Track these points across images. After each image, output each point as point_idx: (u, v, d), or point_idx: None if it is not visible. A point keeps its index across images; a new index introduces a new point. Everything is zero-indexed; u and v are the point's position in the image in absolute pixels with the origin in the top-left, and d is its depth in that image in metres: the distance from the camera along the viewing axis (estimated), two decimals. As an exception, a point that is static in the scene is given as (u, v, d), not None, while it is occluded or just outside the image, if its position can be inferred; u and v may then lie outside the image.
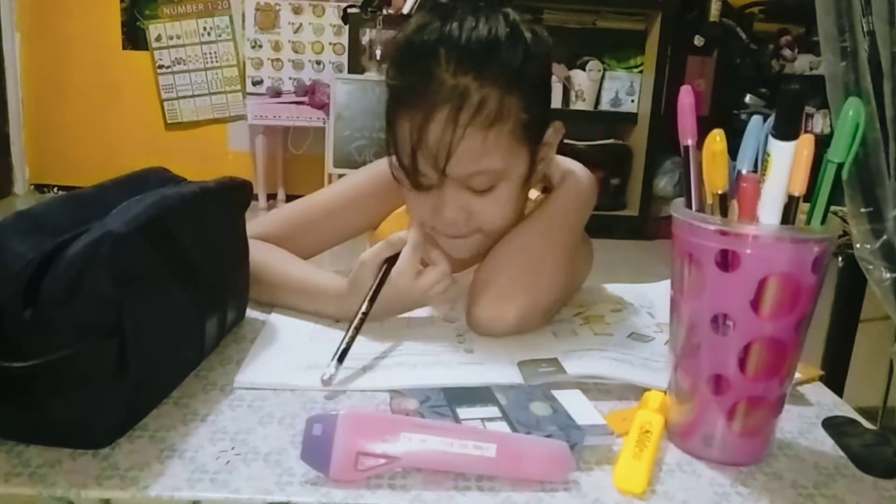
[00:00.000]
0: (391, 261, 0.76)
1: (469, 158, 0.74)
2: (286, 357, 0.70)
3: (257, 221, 0.92)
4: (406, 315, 0.81)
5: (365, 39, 3.86)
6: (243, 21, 3.93)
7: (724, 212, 0.54)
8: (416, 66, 0.75)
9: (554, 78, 3.61)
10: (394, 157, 0.78)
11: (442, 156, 0.73)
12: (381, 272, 0.75)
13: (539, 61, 0.78)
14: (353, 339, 0.68)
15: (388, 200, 0.94)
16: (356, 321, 0.70)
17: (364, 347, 0.72)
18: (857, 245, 0.60)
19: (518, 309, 0.76)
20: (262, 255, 0.83)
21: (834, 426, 0.62)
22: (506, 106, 0.74)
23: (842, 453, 0.58)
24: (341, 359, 0.66)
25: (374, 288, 0.74)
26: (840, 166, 0.51)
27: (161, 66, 4.14)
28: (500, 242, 0.81)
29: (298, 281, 0.83)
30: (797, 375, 0.62)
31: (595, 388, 0.66)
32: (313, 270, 0.85)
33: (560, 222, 0.82)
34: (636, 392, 0.63)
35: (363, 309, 0.72)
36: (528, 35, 0.77)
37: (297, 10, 3.87)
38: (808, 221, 0.53)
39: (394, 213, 0.95)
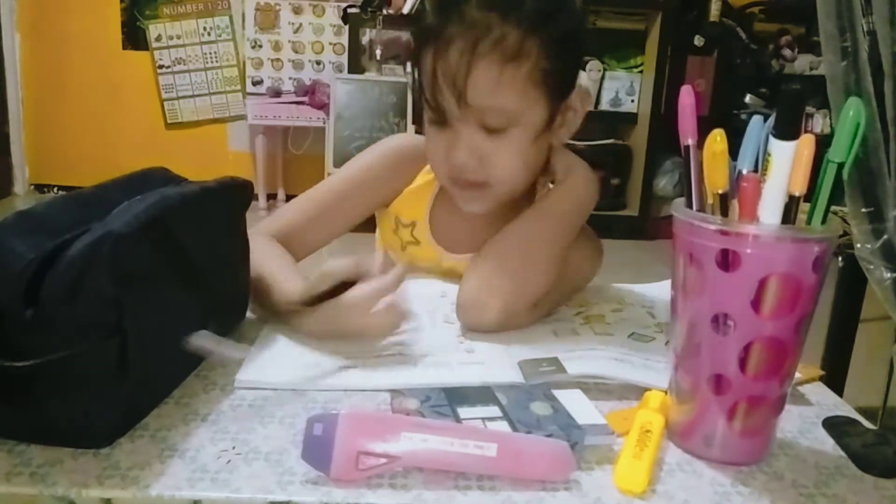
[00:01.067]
0: (348, 285, 0.72)
1: (484, 89, 0.77)
2: (287, 357, 0.70)
3: (275, 216, 0.94)
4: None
5: (365, 39, 3.87)
6: (243, 21, 3.93)
7: (725, 212, 0.54)
8: (445, 3, 0.79)
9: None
10: (420, 93, 0.82)
11: (459, 81, 0.76)
12: (338, 285, 0.72)
13: (570, 15, 0.81)
14: None
15: (398, 178, 0.97)
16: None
17: (364, 347, 0.72)
18: (858, 245, 0.60)
19: (501, 299, 0.77)
20: (255, 247, 0.80)
21: (834, 426, 0.62)
22: (526, 47, 0.76)
23: (842, 453, 0.58)
24: None
25: (321, 293, 0.71)
26: (841, 166, 0.51)
27: (161, 66, 4.14)
28: (496, 234, 0.81)
29: (266, 276, 0.80)
30: (797, 375, 0.63)
31: (595, 388, 0.66)
32: (284, 268, 0.82)
33: (557, 218, 0.83)
34: (637, 392, 0.63)
35: (296, 300, 0.71)
36: None
37: (297, 10, 3.87)
38: (809, 221, 0.53)
39: (405, 191, 0.97)
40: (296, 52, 3.91)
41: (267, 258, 0.83)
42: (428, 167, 0.95)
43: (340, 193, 0.95)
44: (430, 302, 0.85)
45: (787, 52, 3.74)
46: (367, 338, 0.73)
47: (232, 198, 0.72)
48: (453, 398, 0.60)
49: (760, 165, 0.54)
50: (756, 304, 0.52)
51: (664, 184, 3.78)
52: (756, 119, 0.54)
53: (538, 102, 0.80)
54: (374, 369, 0.68)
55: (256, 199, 3.90)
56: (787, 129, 0.51)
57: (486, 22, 0.76)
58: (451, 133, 0.81)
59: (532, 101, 0.79)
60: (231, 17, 4.09)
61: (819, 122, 3.58)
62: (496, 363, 0.69)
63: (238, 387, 0.64)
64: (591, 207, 0.86)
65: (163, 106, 4.18)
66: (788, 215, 0.52)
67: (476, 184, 0.83)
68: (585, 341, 0.75)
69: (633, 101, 3.78)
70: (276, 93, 3.92)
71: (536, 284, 0.79)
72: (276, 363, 0.69)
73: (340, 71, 3.84)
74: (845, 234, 0.61)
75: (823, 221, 0.52)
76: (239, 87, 4.12)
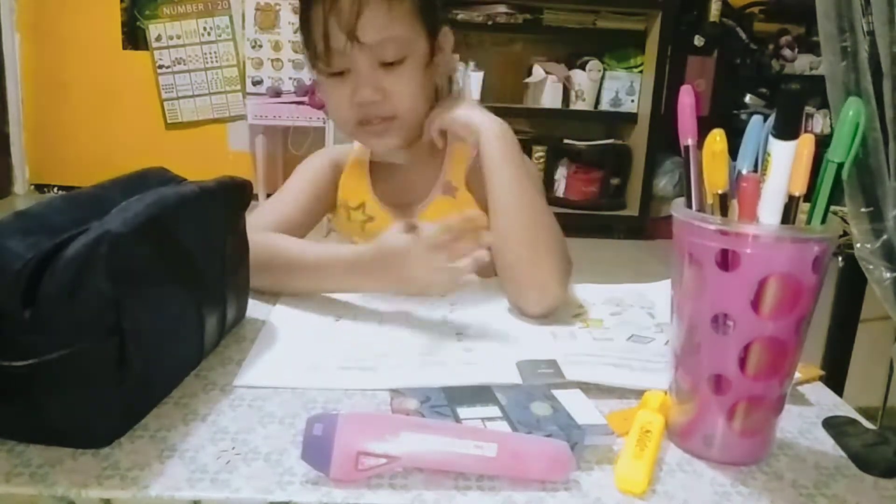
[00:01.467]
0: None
1: (378, 24, 0.85)
2: (287, 357, 0.70)
3: (260, 212, 0.99)
4: (406, 314, 0.81)
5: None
6: (243, 21, 3.93)
7: (725, 211, 0.54)
8: None
9: (554, 77, 3.64)
10: (311, 47, 0.89)
11: (352, 20, 0.84)
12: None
13: None
14: None
15: (335, 178, 1.05)
16: None
17: (364, 347, 0.72)
18: (858, 245, 0.60)
19: (554, 274, 0.83)
20: (273, 241, 0.86)
21: (834, 426, 0.62)
22: None
23: (842, 453, 0.58)
24: None
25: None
26: (840, 166, 0.51)
27: (161, 66, 4.13)
28: (495, 220, 0.85)
29: (313, 257, 0.85)
30: (797, 375, 0.62)
31: (595, 388, 0.65)
32: (326, 247, 0.89)
33: (521, 168, 0.89)
34: (636, 392, 0.63)
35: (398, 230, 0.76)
36: None
37: (297, 10, 3.86)
38: (809, 221, 0.53)
39: (340, 181, 1.04)
40: (296, 52, 3.90)
41: (299, 244, 0.89)
42: (352, 155, 1.04)
43: (303, 192, 1.03)
44: (430, 301, 0.85)
45: (787, 52, 3.74)
46: (428, 292, 0.82)
47: (231, 198, 0.72)
48: (453, 398, 0.60)
49: (760, 165, 0.53)
50: (756, 304, 0.52)
51: (664, 184, 3.77)
52: (756, 119, 0.54)
53: (421, 35, 0.90)
54: (373, 369, 0.68)
55: (256, 198, 3.88)
56: (787, 129, 0.51)
57: None
58: (351, 77, 0.89)
59: (417, 33, 0.90)
60: (231, 17, 4.09)
61: (819, 122, 3.58)
62: (494, 363, 0.69)
63: (237, 386, 0.64)
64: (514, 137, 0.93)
65: (163, 106, 4.18)
66: (788, 215, 0.52)
67: (385, 118, 0.91)
68: (584, 346, 0.74)
69: (633, 101, 3.78)
70: (276, 93, 3.92)
71: (559, 237, 0.87)
72: (276, 363, 0.69)
73: (340, 71, 3.84)
74: (845, 234, 0.61)
75: (823, 221, 0.52)
76: (239, 87, 4.12)
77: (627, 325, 0.80)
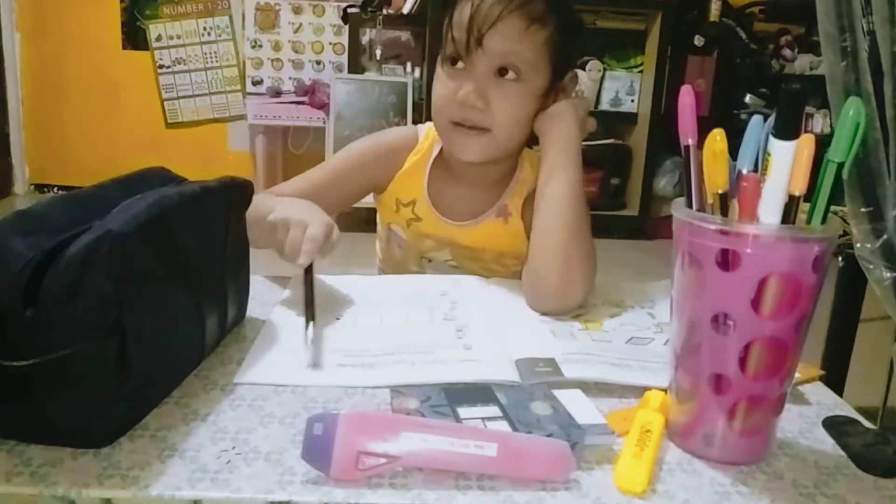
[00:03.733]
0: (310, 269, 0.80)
1: (510, 35, 0.88)
2: (287, 355, 0.70)
3: (273, 190, 1.01)
4: (405, 313, 0.81)
5: (365, 39, 3.87)
6: (243, 21, 3.93)
7: (725, 211, 0.54)
8: None
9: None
10: (447, 32, 0.90)
11: (487, 21, 0.87)
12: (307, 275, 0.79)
13: (576, 17, 0.96)
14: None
15: (389, 165, 1.04)
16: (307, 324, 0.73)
17: (364, 344, 0.72)
18: (858, 245, 0.60)
19: (582, 278, 0.85)
20: (257, 199, 0.83)
21: (834, 426, 0.62)
22: (549, 17, 0.89)
23: (842, 453, 0.58)
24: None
25: (307, 292, 0.77)
26: (840, 166, 0.51)
27: (161, 66, 4.14)
28: (537, 218, 0.88)
29: (263, 212, 0.85)
30: (797, 375, 0.62)
31: (595, 388, 0.66)
32: (276, 203, 0.88)
33: (572, 171, 0.89)
34: (637, 392, 0.63)
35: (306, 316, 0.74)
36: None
37: (297, 10, 3.87)
38: (809, 221, 0.53)
39: (398, 175, 1.04)
40: (296, 51, 3.91)
41: (269, 200, 0.90)
42: (415, 150, 1.03)
43: (336, 172, 1.04)
44: (431, 299, 0.85)
45: (787, 52, 3.74)
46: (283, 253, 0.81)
47: (232, 197, 0.72)
48: (453, 398, 0.60)
49: (760, 165, 0.53)
50: (756, 304, 0.52)
51: (664, 184, 3.77)
52: (756, 119, 0.54)
53: (544, 70, 0.91)
54: (373, 367, 0.68)
55: (256, 199, 3.88)
56: (787, 129, 0.51)
57: None
58: (464, 74, 0.90)
59: (541, 66, 0.91)
60: (231, 17, 4.09)
61: (819, 122, 3.58)
62: (494, 361, 0.69)
63: (237, 383, 0.64)
64: (584, 124, 0.94)
65: (163, 106, 4.18)
66: (788, 215, 0.52)
67: (478, 128, 0.91)
68: (583, 345, 0.74)
69: (633, 101, 3.78)
70: (276, 93, 3.92)
71: (592, 251, 0.89)
72: (276, 361, 0.69)
73: (340, 71, 3.84)
74: (845, 233, 0.61)
75: (823, 221, 0.52)
76: (239, 86, 4.12)
77: (627, 327, 0.80)
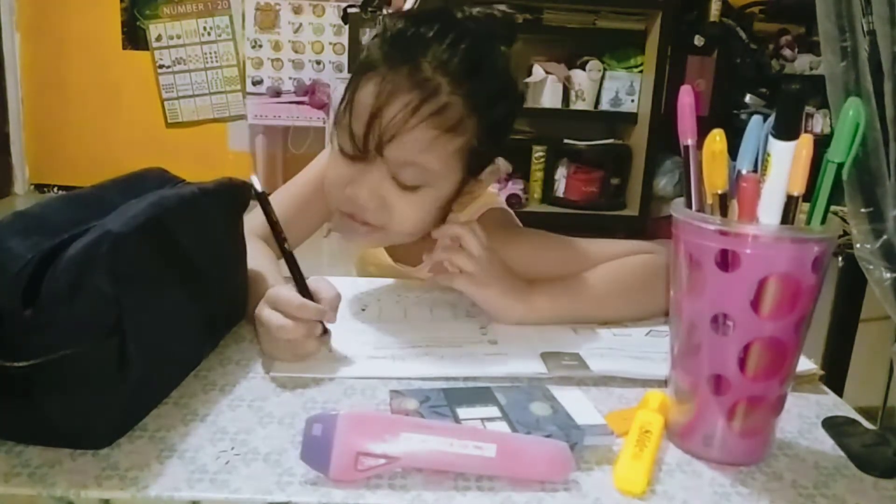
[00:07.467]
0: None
1: (412, 147, 0.75)
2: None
3: (257, 212, 0.92)
4: (429, 308, 0.83)
5: (365, 39, 3.86)
6: (243, 21, 3.93)
7: (724, 212, 0.54)
8: (405, 47, 0.77)
9: (554, 77, 3.64)
10: (343, 119, 0.79)
11: (390, 133, 0.75)
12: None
13: (510, 107, 0.82)
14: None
15: None
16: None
17: (392, 338, 0.74)
18: (857, 245, 0.60)
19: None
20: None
21: (834, 426, 0.62)
22: (465, 124, 0.77)
23: (842, 453, 0.58)
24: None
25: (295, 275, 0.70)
26: (840, 166, 0.51)
27: (161, 66, 4.14)
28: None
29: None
30: (797, 375, 0.62)
31: (595, 388, 0.66)
32: (265, 269, 0.80)
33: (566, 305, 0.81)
34: (636, 392, 0.63)
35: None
36: (513, 81, 0.81)
37: (297, 10, 3.87)
38: (808, 221, 0.53)
39: None
40: (296, 51, 3.91)
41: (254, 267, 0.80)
42: None
43: (318, 184, 0.93)
44: (453, 296, 0.86)
45: (787, 52, 3.73)
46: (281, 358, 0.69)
47: (230, 199, 0.72)
48: (452, 399, 0.60)
49: (760, 165, 0.53)
50: (756, 304, 0.51)
51: (664, 184, 3.77)
52: (756, 119, 0.54)
53: (456, 174, 0.80)
54: (403, 360, 0.69)
55: (256, 199, 3.88)
56: (787, 129, 0.51)
57: (436, 84, 0.75)
58: (359, 168, 0.78)
59: (451, 171, 0.80)
60: (231, 17, 4.09)
61: (819, 122, 3.58)
62: (519, 354, 0.71)
63: (274, 374, 0.65)
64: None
65: (163, 105, 4.18)
66: (788, 215, 0.52)
67: (371, 225, 0.80)
68: (605, 340, 0.76)
69: (633, 101, 3.77)
70: (276, 93, 3.92)
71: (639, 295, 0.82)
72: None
73: (340, 71, 3.84)
74: (845, 234, 0.60)
75: (823, 221, 0.52)
76: (239, 86, 4.12)
77: (644, 322, 0.82)
